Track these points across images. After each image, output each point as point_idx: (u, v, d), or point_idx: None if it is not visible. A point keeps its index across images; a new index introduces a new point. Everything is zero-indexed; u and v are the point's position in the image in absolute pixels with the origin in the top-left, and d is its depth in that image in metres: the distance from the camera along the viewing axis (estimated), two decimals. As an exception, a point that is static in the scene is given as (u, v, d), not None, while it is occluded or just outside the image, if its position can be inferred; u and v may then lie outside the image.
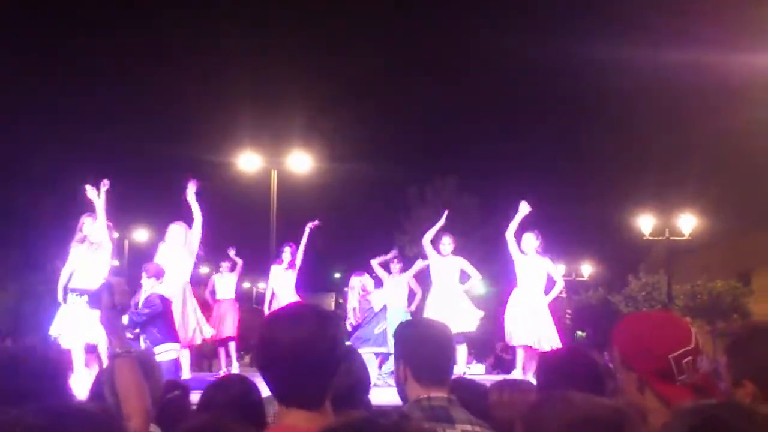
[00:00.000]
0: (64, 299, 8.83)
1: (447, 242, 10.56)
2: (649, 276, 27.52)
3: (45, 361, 2.16)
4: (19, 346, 2.22)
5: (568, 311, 24.76)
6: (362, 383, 3.19)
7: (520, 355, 9.69)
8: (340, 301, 42.32)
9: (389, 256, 10.89)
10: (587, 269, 32.01)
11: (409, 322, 3.16)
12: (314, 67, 28.40)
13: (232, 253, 12.00)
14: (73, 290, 8.77)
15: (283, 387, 2.13)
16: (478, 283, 10.53)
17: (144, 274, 8.79)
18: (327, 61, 29.11)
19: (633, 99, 23.24)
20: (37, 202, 27.53)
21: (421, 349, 2.86)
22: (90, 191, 9.30)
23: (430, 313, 10.49)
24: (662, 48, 21.69)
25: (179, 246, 9.64)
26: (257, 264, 19.21)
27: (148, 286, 8.76)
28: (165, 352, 8.37)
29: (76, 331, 8.88)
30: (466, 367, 10.55)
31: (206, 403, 3.14)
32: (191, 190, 9.67)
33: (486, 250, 18.66)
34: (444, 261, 10.55)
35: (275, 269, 11.10)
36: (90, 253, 9.15)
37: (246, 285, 30.34)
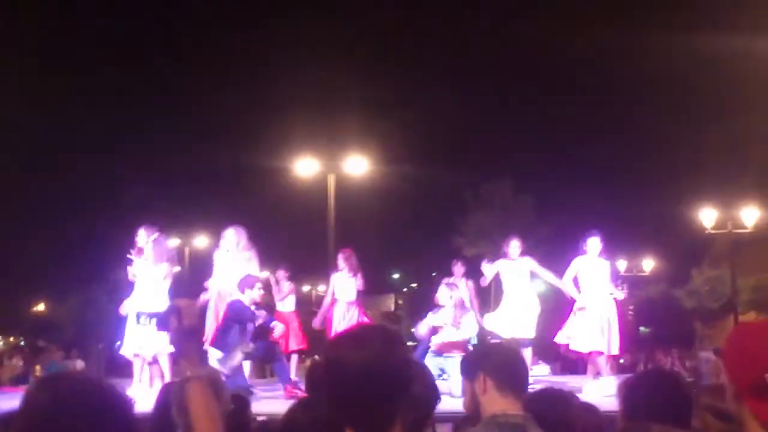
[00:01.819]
0: (137, 319, 9.00)
1: (515, 245, 10.53)
2: (713, 270, 27.05)
3: (111, 401, 2.07)
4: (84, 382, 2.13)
5: (630, 307, 24.45)
6: (429, 399, 3.23)
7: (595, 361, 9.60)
8: (399, 302, 42.37)
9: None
10: (648, 264, 31.55)
11: (482, 345, 3.26)
12: (370, 70, 28.43)
13: (284, 283, 11.80)
14: (142, 313, 8.94)
15: (349, 411, 2.07)
16: (551, 281, 10.45)
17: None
18: (383, 63, 29.16)
19: (693, 89, 22.85)
20: (96, 213, 28.06)
21: (506, 361, 2.92)
22: (141, 238, 9.42)
23: (497, 317, 10.53)
24: (723, 35, 21.27)
25: (234, 250, 9.73)
26: (315, 267, 19.35)
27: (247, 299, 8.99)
28: None
29: (140, 343, 9.09)
30: (530, 368, 10.48)
31: (289, 423, 3.14)
32: None
33: (544, 250, 18.51)
34: (513, 264, 10.51)
35: (335, 277, 10.93)
36: (150, 269, 9.31)
37: (305, 288, 30.53)
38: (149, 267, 9.31)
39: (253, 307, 9.01)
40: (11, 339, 36.16)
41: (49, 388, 2.02)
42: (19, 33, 25.24)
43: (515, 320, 10.30)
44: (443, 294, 9.86)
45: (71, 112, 28.09)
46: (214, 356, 8.95)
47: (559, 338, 9.73)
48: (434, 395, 3.30)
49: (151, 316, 8.79)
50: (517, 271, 10.48)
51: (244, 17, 32.23)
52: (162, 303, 8.89)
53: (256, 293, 9.25)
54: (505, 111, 28.55)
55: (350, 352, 2.06)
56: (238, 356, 8.96)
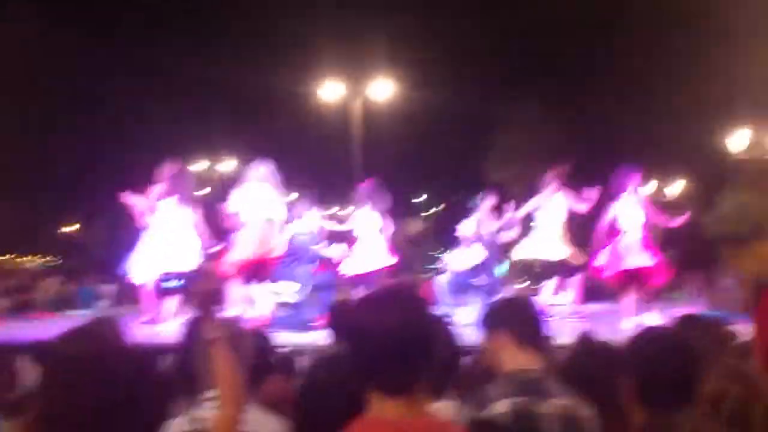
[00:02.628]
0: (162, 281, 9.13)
1: (550, 175, 10.50)
2: (741, 194, 26.76)
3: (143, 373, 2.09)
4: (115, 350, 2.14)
5: (657, 229, 24.22)
6: (452, 358, 3.26)
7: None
8: (425, 225, 42.46)
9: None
10: (678, 187, 31.30)
11: (503, 297, 3.24)
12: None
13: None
14: (168, 275, 9.04)
15: (375, 372, 2.12)
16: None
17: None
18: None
19: (721, 12, 22.21)
20: (122, 132, 28.15)
21: (527, 316, 2.92)
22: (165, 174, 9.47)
23: (523, 243, 10.51)
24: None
25: (264, 183, 9.71)
26: (343, 194, 19.32)
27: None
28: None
29: (152, 264, 9.18)
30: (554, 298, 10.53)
31: (312, 379, 3.15)
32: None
33: (577, 173, 18.34)
34: (548, 198, 10.47)
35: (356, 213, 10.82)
36: (174, 212, 9.34)
37: (335, 209, 30.60)
38: (173, 209, 9.34)
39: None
40: (47, 259, 36.66)
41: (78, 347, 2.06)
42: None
43: (542, 243, 10.30)
44: (466, 228, 9.87)
45: (101, 35, 27.95)
46: (279, 290, 9.04)
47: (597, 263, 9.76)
48: (456, 353, 3.33)
49: (177, 277, 8.96)
50: (551, 204, 10.43)
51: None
52: (188, 262, 8.97)
53: (309, 222, 9.32)
54: (533, 34, 27.86)
55: (376, 317, 2.10)
56: (301, 292, 9.07)
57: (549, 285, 10.39)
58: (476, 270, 9.57)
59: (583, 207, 10.33)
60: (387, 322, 2.09)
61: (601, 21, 26.12)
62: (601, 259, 9.68)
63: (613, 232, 9.73)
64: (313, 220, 9.51)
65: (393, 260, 10.50)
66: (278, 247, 9.31)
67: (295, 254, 9.18)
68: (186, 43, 29.05)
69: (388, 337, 2.07)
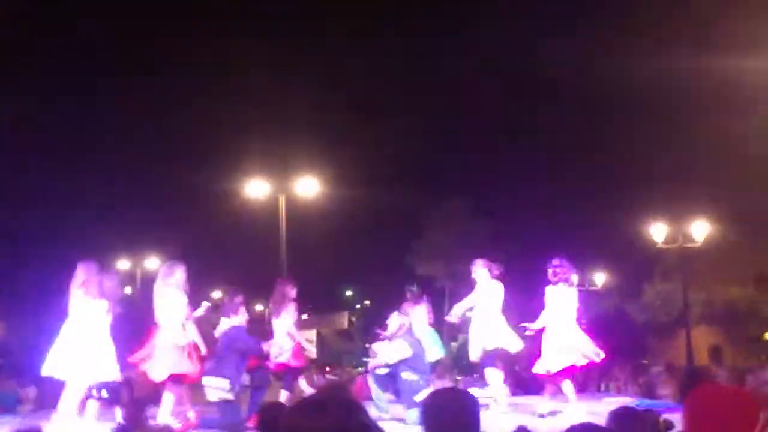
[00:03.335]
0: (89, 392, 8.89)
1: (480, 267, 10.52)
2: (664, 284, 27.36)
3: None
4: None
5: (583, 321, 24.53)
6: None
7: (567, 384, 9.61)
8: (353, 319, 42.32)
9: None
10: (600, 278, 31.83)
11: (436, 393, 3.09)
12: (322, 93, 28.38)
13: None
14: (93, 386, 8.82)
15: None
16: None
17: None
18: (335, 86, 29.12)
19: (642, 105, 23.13)
20: (47, 234, 27.64)
21: (442, 416, 2.80)
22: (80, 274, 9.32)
23: (474, 331, 10.41)
24: (675, 52, 21.61)
25: (173, 285, 9.55)
26: (269, 287, 19.17)
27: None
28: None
29: (77, 369, 8.89)
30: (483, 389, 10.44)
31: None
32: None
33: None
34: (481, 288, 10.47)
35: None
36: (89, 304, 9.15)
37: (259, 307, 30.28)
38: (89, 303, 9.14)
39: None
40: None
41: None
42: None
43: (498, 333, 10.24)
44: (393, 322, 9.78)
45: (22, 125, 27.66)
46: (211, 386, 8.78)
47: (537, 369, 9.71)
48: None
49: (100, 387, 8.73)
50: (487, 294, 10.41)
51: (197, 34, 31.93)
52: (112, 372, 8.76)
53: (243, 318, 9.17)
54: (459, 133, 28.59)
55: (310, 421, 2.07)
56: (234, 391, 8.82)
57: (481, 377, 10.35)
58: (403, 363, 9.41)
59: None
60: (317, 428, 2.05)
61: (524, 119, 26.94)
62: (543, 358, 9.65)
63: (545, 321, 9.75)
64: (242, 316, 9.36)
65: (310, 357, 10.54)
66: (196, 355, 9.24)
67: (227, 350, 8.99)
68: (113, 140, 28.94)
69: None
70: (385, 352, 9.65)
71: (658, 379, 14.37)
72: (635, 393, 14.23)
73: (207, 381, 8.89)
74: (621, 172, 25.40)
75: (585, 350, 9.53)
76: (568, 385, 9.54)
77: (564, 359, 9.45)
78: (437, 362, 12.46)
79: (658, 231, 22.11)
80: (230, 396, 8.69)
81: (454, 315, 10.79)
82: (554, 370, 9.52)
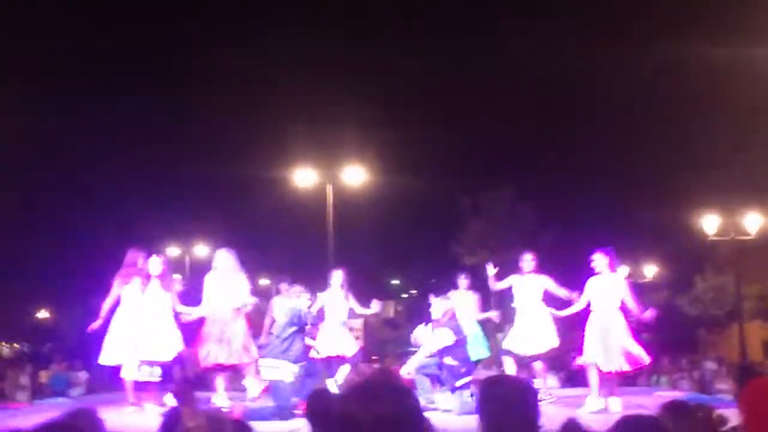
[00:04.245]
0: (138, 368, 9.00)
1: (528, 259, 10.41)
2: (717, 277, 26.90)
3: None
4: None
5: (632, 318, 24.23)
6: None
7: (592, 373, 9.46)
8: (399, 308, 42.39)
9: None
10: (651, 271, 31.43)
11: (491, 379, 3.01)
12: (368, 82, 28.35)
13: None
14: (145, 362, 8.98)
15: None
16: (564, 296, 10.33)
17: None
18: (380, 76, 29.07)
19: (695, 94, 22.71)
20: (97, 222, 28.05)
21: (500, 406, 2.72)
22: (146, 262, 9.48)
23: (513, 333, 10.39)
24: (724, 42, 21.17)
25: (229, 271, 9.65)
26: (317, 279, 19.20)
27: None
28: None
29: (128, 350, 9.03)
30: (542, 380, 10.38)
31: None
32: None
33: (547, 258, 18.36)
34: (525, 279, 10.38)
35: (323, 296, 10.78)
36: (155, 296, 9.29)
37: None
38: (154, 294, 9.27)
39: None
40: (15, 345, 36.05)
41: None
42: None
43: (531, 336, 10.18)
44: (437, 307, 9.72)
45: (73, 121, 28.09)
46: (271, 366, 8.86)
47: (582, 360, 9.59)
48: None
49: (153, 364, 8.87)
50: (529, 286, 10.34)
51: (241, 31, 32.16)
52: (166, 352, 8.87)
53: (304, 303, 9.22)
54: (504, 119, 28.32)
55: (362, 407, 2.07)
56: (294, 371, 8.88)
57: (536, 367, 10.28)
58: (446, 351, 9.36)
59: (562, 293, 10.24)
60: (370, 414, 2.04)
61: (573, 106, 26.65)
62: (585, 351, 9.52)
63: (588, 312, 9.61)
64: (303, 299, 9.39)
65: (358, 346, 10.71)
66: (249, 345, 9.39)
67: (289, 331, 9.02)
68: (160, 131, 29.25)
69: (374, 427, 2.03)
70: (426, 342, 9.59)
71: (711, 373, 14.16)
72: (688, 387, 14.02)
73: (265, 362, 8.95)
74: (673, 162, 24.99)
75: (623, 355, 9.33)
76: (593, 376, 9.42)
77: (607, 362, 9.31)
78: (479, 360, 12.43)
79: (710, 223, 21.76)
80: (288, 378, 8.73)
81: (497, 285, 10.76)
82: (590, 363, 9.40)
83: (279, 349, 8.84)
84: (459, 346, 9.38)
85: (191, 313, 9.44)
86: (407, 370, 9.77)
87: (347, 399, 2.17)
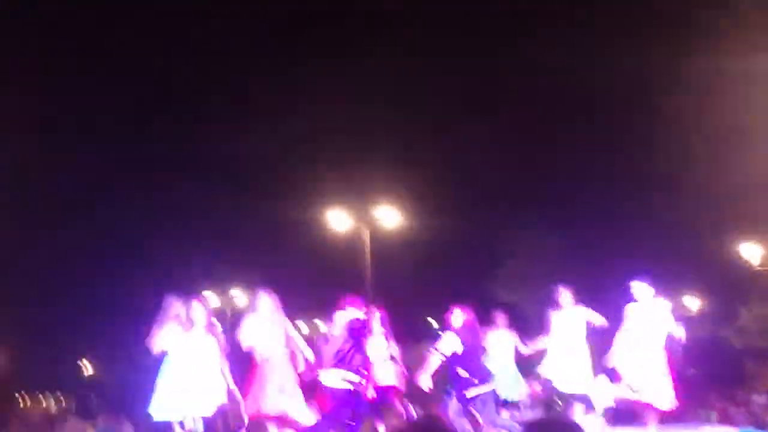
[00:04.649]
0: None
1: (565, 293, 10.33)
2: (762, 308, 26.34)
3: None
4: None
5: (679, 347, 23.79)
6: None
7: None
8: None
9: None
10: (693, 303, 30.91)
11: (537, 422, 2.94)
12: (401, 122, 28.38)
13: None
14: (189, 414, 8.96)
15: None
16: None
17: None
18: (413, 116, 29.09)
19: (733, 120, 22.39)
20: (130, 273, 28.23)
21: None
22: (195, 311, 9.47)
23: (548, 368, 10.26)
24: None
25: (269, 314, 9.60)
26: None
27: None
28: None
29: (176, 403, 8.95)
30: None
31: None
32: None
33: (588, 295, 18.08)
34: (563, 313, 10.28)
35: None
36: (200, 342, 9.25)
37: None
38: (199, 340, 9.23)
39: None
40: (60, 398, 36.25)
41: None
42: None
43: (573, 374, 10.04)
44: (456, 317, 9.54)
45: (99, 168, 28.42)
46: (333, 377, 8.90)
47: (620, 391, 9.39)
48: None
49: (197, 421, 8.83)
50: (571, 321, 10.22)
51: (270, 66, 32.41)
52: (210, 404, 8.81)
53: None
54: (541, 158, 28.16)
55: None
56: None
57: (577, 408, 10.07)
58: (457, 361, 9.18)
59: (601, 321, 10.10)
60: None
61: (611, 132, 26.37)
62: (620, 386, 9.31)
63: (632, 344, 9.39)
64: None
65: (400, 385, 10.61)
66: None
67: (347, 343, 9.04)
68: (194, 177, 29.46)
69: None
70: (438, 347, 9.39)
71: (761, 407, 13.81)
72: (740, 421, 13.68)
73: (328, 373, 8.96)
74: (713, 190, 24.59)
75: (654, 392, 9.11)
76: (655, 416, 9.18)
77: (634, 393, 9.11)
78: (511, 402, 12.24)
79: (752, 252, 21.44)
80: (351, 386, 8.75)
81: (531, 347, 10.69)
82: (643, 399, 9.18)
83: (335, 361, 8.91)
84: (469, 356, 9.19)
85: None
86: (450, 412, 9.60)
87: None
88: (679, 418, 11.74)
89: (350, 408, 8.82)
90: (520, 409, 12.91)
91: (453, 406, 9.53)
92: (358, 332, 9.03)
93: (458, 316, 9.39)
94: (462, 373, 9.09)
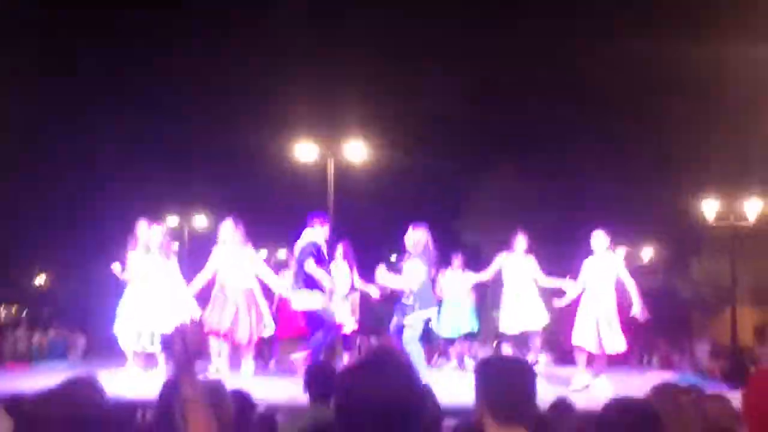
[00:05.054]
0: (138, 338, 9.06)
1: (521, 239, 10.55)
2: (713, 262, 26.92)
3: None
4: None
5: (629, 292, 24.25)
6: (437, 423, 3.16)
7: (579, 352, 9.58)
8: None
9: None
10: (647, 253, 31.51)
11: (489, 359, 3.05)
12: (372, 57, 28.22)
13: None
14: (147, 332, 9.14)
15: None
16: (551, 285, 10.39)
17: None
18: (385, 50, 28.92)
19: (698, 81, 22.67)
20: (95, 188, 28.08)
21: (499, 386, 2.75)
22: (145, 231, 9.56)
23: (504, 311, 10.52)
24: (722, 33, 21.18)
25: (231, 243, 9.71)
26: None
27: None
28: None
29: (133, 320, 9.14)
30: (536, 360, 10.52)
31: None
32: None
33: (549, 238, 18.39)
34: (515, 259, 10.53)
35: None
36: (158, 264, 9.38)
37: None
38: (157, 262, 9.35)
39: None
40: (13, 308, 36.13)
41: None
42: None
43: (524, 314, 10.32)
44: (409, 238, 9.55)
45: (71, 86, 28.04)
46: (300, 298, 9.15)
47: (575, 340, 9.66)
48: (440, 417, 3.25)
49: (155, 339, 9.01)
50: (521, 267, 10.48)
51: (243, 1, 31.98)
52: (168, 322, 8.94)
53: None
54: (510, 98, 28.23)
55: (366, 384, 2.06)
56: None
57: (520, 345, 10.42)
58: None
59: (545, 281, 10.39)
60: (379, 392, 2.03)
61: (574, 84, 26.56)
62: (576, 332, 9.58)
63: (582, 293, 9.68)
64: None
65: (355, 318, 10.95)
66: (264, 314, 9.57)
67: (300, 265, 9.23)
68: (162, 100, 29.18)
69: (374, 407, 2.02)
70: (401, 279, 9.34)
71: (704, 356, 14.29)
72: (681, 368, 14.15)
73: (296, 295, 9.26)
74: (674, 146, 24.96)
75: (607, 340, 9.40)
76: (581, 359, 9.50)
77: (588, 342, 9.40)
78: (471, 334, 12.60)
79: (709, 207, 21.80)
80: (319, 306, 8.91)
81: (487, 274, 10.90)
82: (584, 347, 9.49)
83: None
84: (424, 288, 9.20)
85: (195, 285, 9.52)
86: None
87: (351, 374, 2.16)
88: (623, 361, 12.17)
89: (321, 327, 9.06)
90: (472, 347, 13.30)
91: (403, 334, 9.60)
92: (318, 252, 9.17)
93: (410, 235, 9.40)
94: (408, 296, 9.13)
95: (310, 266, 9.05)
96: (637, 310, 9.42)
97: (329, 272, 9.34)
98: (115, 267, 9.49)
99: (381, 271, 9.18)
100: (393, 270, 9.59)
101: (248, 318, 9.45)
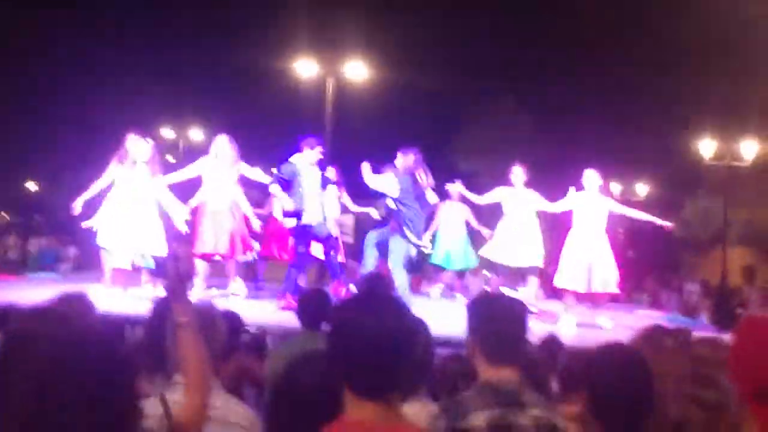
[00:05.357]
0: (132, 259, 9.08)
1: (519, 172, 10.43)
2: (706, 201, 26.96)
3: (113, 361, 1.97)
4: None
5: (620, 229, 24.40)
6: (428, 361, 3.17)
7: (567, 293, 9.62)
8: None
9: None
10: (643, 190, 31.50)
11: (482, 299, 3.04)
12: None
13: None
14: (140, 258, 9.07)
15: (358, 377, 2.08)
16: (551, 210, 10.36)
17: None
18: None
19: (697, 21, 22.34)
20: (89, 98, 27.81)
21: (491, 325, 2.78)
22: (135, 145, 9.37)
23: (497, 244, 10.46)
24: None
25: (224, 159, 9.63)
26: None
27: None
28: None
29: (120, 236, 9.06)
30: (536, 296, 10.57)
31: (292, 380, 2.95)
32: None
33: (543, 169, 18.30)
34: (516, 192, 10.42)
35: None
36: (146, 180, 9.26)
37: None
38: (144, 177, 9.24)
39: None
40: (3, 215, 36.11)
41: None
42: None
43: (521, 248, 10.25)
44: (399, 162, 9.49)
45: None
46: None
47: (558, 281, 9.68)
48: (431, 355, 3.26)
49: (147, 259, 8.96)
50: (519, 200, 10.38)
51: None
52: (159, 246, 8.87)
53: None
54: (511, 28, 27.84)
55: (358, 319, 2.07)
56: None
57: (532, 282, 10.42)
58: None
59: (551, 208, 10.29)
60: (371, 327, 2.05)
61: (575, 24, 26.18)
62: (561, 273, 9.56)
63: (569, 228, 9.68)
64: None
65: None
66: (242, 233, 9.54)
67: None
68: (160, 15, 28.73)
69: (368, 342, 2.04)
70: (381, 180, 9.28)
71: (693, 295, 14.37)
72: (670, 307, 14.26)
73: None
74: (673, 84, 24.73)
75: (598, 279, 9.41)
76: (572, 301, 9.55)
77: (575, 282, 9.40)
78: (466, 269, 12.65)
79: (706, 147, 21.76)
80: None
81: (483, 199, 10.82)
82: (567, 287, 9.50)
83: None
84: (407, 201, 9.11)
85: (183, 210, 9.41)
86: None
87: (344, 309, 2.19)
88: (612, 298, 12.23)
89: (305, 241, 9.13)
90: (468, 283, 13.36)
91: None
92: (289, 178, 9.22)
93: (400, 159, 9.34)
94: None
95: (274, 189, 9.20)
96: (662, 224, 9.52)
97: (299, 196, 9.21)
98: (76, 204, 9.29)
99: (365, 168, 9.10)
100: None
101: (232, 235, 9.41)
